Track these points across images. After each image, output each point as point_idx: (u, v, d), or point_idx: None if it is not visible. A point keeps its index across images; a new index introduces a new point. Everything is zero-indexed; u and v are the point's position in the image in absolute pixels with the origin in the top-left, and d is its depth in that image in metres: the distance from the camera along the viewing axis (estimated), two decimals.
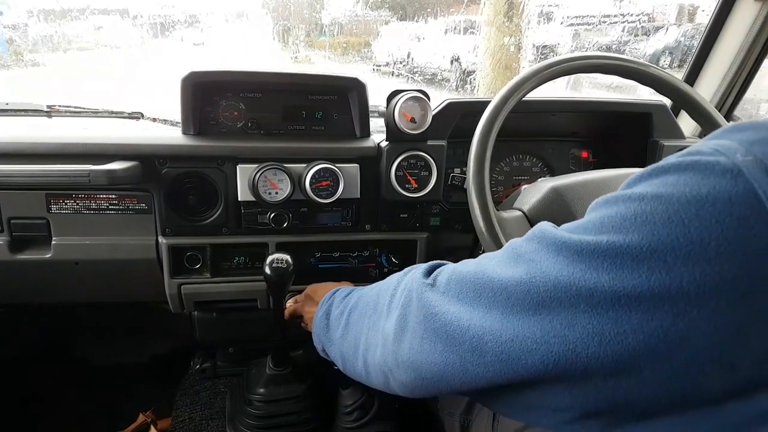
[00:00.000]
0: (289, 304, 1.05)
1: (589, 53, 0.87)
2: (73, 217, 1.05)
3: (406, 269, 0.67)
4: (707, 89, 1.28)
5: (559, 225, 0.83)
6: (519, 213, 0.87)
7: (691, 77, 1.30)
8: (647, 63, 0.90)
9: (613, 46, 2.16)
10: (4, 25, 1.76)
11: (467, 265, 0.53)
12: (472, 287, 0.49)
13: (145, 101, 1.21)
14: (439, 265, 0.60)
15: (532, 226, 0.86)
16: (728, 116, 1.29)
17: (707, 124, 0.90)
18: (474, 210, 0.81)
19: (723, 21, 1.22)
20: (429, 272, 0.59)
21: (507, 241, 0.77)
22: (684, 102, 0.90)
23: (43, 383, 1.54)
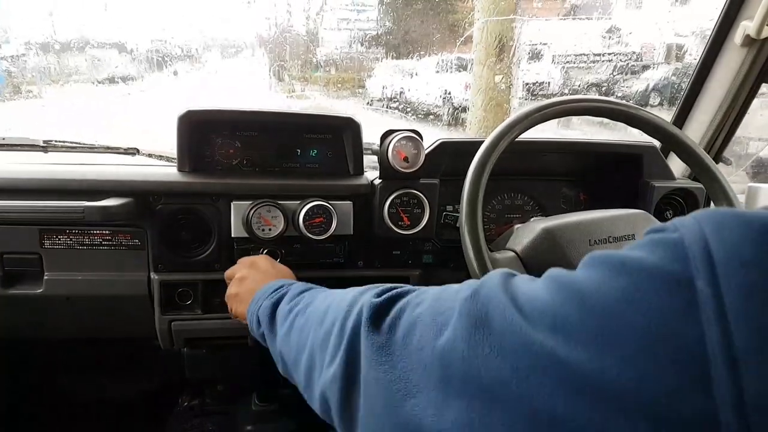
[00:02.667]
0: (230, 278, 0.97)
1: (579, 96, 0.89)
2: (65, 253, 1.05)
3: (362, 289, 0.60)
4: (696, 131, 1.30)
5: (551, 266, 0.83)
6: (512, 254, 0.87)
7: (680, 119, 1.32)
8: (636, 106, 0.91)
9: (603, 86, 2.21)
10: (1, 57, 1.79)
11: (422, 306, 0.48)
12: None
13: (143, 135, 1.22)
14: (395, 297, 0.53)
15: (525, 267, 0.87)
16: (717, 158, 1.31)
17: (696, 166, 0.91)
18: (467, 251, 0.81)
19: (710, 65, 1.25)
20: (380, 313, 0.51)
21: None
22: (673, 144, 0.91)
23: (31, 418, 1.51)
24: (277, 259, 1.07)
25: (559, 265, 0.81)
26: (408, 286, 0.56)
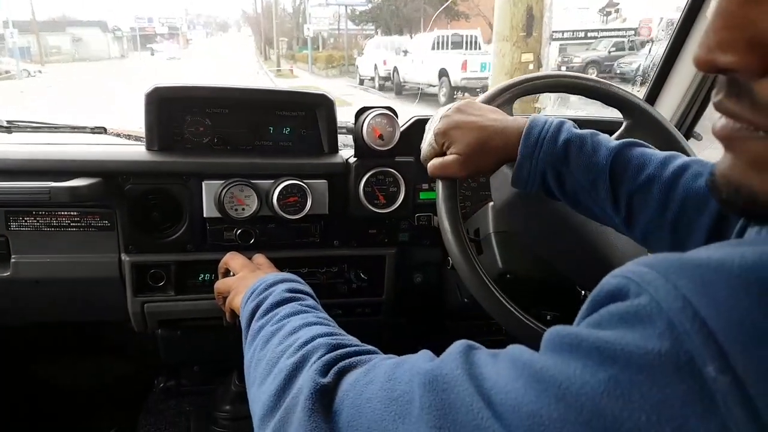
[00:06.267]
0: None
1: (549, 73, 0.89)
2: (32, 235, 1.02)
3: (308, 351, 0.54)
4: (668, 107, 1.31)
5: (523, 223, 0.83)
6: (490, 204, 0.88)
7: (652, 95, 1.33)
8: (607, 82, 0.92)
9: (604, 62, 2.18)
10: None
11: (372, 386, 0.43)
12: None
13: (119, 116, 1.18)
14: (342, 371, 0.48)
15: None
16: (688, 133, 1.32)
17: (666, 143, 0.92)
18: (444, 230, 0.81)
19: (683, 39, 1.26)
20: (323, 395, 0.46)
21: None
22: (643, 119, 0.92)
23: (3, 404, 1.49)
24: (251, 240, 1.06)
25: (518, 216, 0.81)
26: (360, 353, 0.52)
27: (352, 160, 1.08)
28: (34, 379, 1.56)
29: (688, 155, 0.91)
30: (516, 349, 0.35)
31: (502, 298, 0.73)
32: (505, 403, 0.31)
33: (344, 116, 1.14)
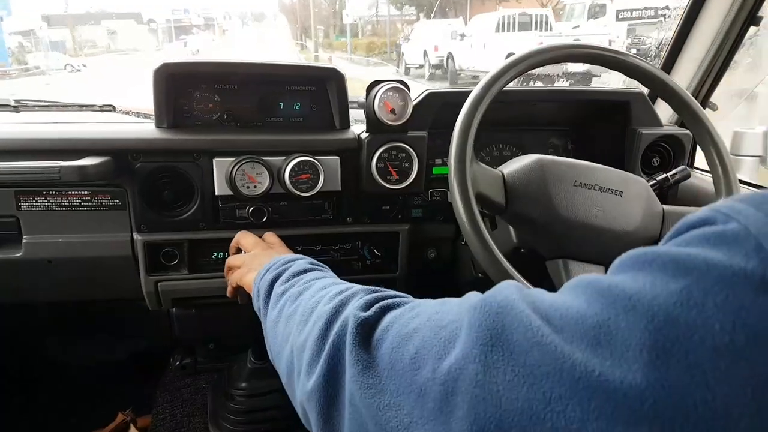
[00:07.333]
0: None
1: (566, 43, 0.87)
2: (44, 215, 1.02)
3: (352, 291, 0.55)
4: (684, 76, 1.29)
5: (532, 197, 0.79)
6: (498, 172, 0.87)
7: (668, 64, 1.31)
8: (623, 51, 0.90)
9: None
10: (9, 32, 1.68)
11: (419, 319, 0.41)
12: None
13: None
14: (385, 309, 0.47)
15: (505, 190, 0.86)
16: (704, 103, 1.30)
17: (683, 112, 0.91)
18: (456, 205, 0.80)
19: (698, 8, 1.23)
20: (367, 329, 0.45)
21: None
22: (660, 90, 0.90)
23: (19, 384, 1.51)
24: (264, 217, 1.06)
25: (538, 199, 0.79)
26: (400, 297, 0.51)
27: (364, 135, 1.06)
28: (50, 358, 1.57)
29: (706, 126, 0.90)
30: (581, 277, 0.33)
31: (514, 273, 0.73)
32: (567, 317, 0.30)
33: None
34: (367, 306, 0.48)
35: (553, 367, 0.28)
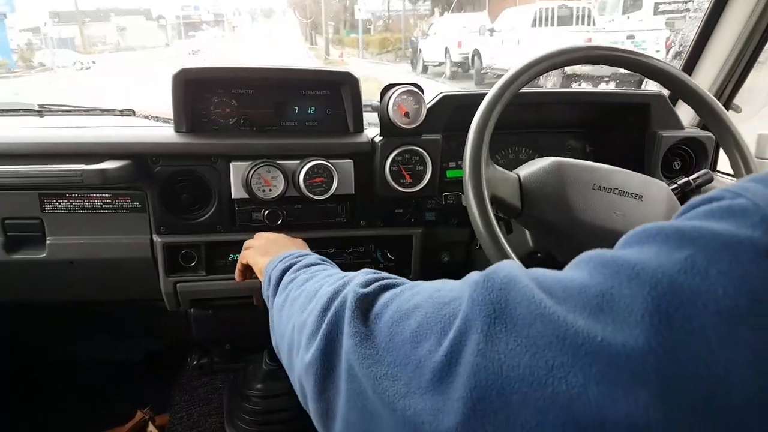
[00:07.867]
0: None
1: (585, 45, 0.86)
2: (67, 217, 1.05)
3: (353, 274, 0.57)
4: (706, 78, 1.26)
5: (549, 200, 0.79)
6: (514, 175, 0.86)
7: (689, 66, 1.28)
8: (644, 53, 0.88)
9: None
10: (20, 29, 1.74)
11: (420, 296, 0.42)
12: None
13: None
14: (384, 287, 0.48)
15: (521, 192, 0.85)
16: (727, 105, 1.27)
17: (706, 114, 0.89)
18: (471, 209, 0.79)
19: (721, 8, 1.20)
20: (366, 302, 0.46)
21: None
22: (682, 92, 0.88)
23: (39, 382, 1.55)
24: (279, 220, 1.07)
25: (555, 203, 0.78)
26: (399, 278, 0.52)
27: (378, 138, 1.07)
28: (70, 355, 1.61)
29: (730, 128, 0.88)
30: (585, 253, 0.34)
31: None
32: (570, 288, 0.30)
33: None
34: (367, 284, 0.49)
35: (555, 336, 0.29)
